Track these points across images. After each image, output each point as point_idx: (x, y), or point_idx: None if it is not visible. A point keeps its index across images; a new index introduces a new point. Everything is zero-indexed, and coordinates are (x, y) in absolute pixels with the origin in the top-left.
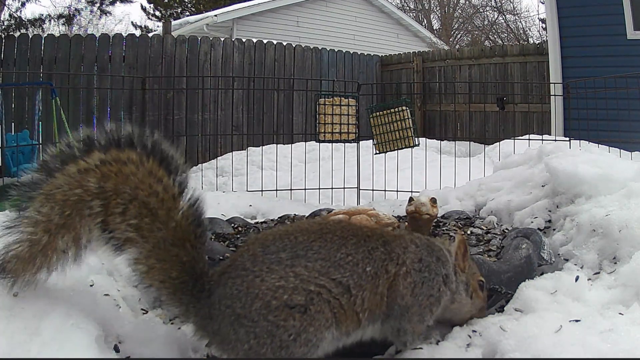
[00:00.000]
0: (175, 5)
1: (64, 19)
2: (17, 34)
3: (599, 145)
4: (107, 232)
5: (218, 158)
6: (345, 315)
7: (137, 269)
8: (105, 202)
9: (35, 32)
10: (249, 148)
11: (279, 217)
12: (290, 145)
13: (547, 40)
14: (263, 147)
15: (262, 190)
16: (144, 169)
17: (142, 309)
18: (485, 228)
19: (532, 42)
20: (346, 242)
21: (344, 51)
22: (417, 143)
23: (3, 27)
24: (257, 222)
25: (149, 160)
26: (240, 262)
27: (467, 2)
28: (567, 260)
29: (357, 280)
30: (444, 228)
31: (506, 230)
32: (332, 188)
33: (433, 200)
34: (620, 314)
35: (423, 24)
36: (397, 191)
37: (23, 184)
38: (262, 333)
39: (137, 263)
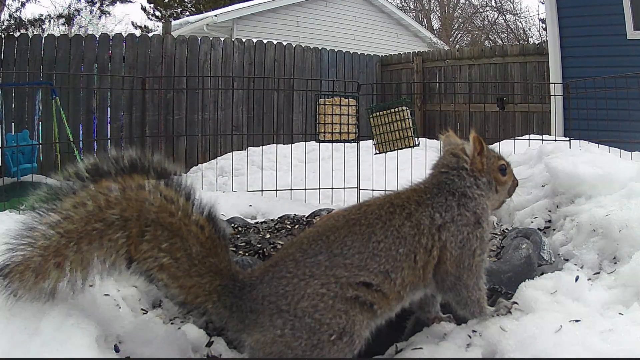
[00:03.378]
0: (175, 5)
1: (63, 19)
2: (17, 34)
3: (599, 145)
4: (136, 263)
5: (218, 158)
6: (388, 299)
7: (175, 294)
8: (129, 231)
9: (35, 32)
10: (249, 148)
11: (279, 217)
12: (290, 145)
13: (547, 40)
14: (263, 147)
15: (262, 190)
16: (157, 192)
17: (142, 309)
18: None
19: (532, 42)
20: (374, 228)
21: (344, 51)
22: (417, 143)
23: (3, 27)
24: (257, 222)
25: (159, 183)
26: (283, 265)
27: (467, 2)
28: (567, 260)
29: (393, 263)
30: None
31: (506, 230)
32: (332, 188)
33: None
34: (620, 314)
35: (423, 24)
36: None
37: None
38: (302, 328)
39: (171, 287)
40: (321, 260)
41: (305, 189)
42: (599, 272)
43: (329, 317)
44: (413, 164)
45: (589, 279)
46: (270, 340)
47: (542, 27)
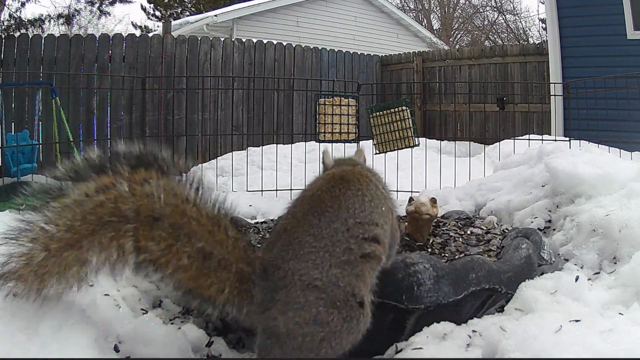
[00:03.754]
0: (175, 5)
1: (63, 19)
2: (17, 34)
3: (599, 145)
4: (148, 255)
5: (218, 158)
6: (384, 248)
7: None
8: (136, 223)
9: (35, 32)
10: (249, 148)
11: (279, 217)
12: (290, 145)
13: (547, 40)
14: (263, 147)
15: (262, 190)
16: (169, 191)
17: (142, 309)
18: (485, 228)
19: (532, 42)
20: (364, 191)
21: (344, 51)
22: (417, 143)
23: (3, 27)
24: (257, 222)
25: (172, 179)
26: (304, 241)
27: (467, 2)
28: (567, 260)
29: (384, 217)
30: (444, 228)
31: (506, 230)
32: None
33: (433, 200)
34: (620, 314)
35: (423, 24)
36: (397, 191)
37: (29, 192)
38: (334, 300)
39: (194, 289)
40: (338, 227)
41: None
42: (599, 272)
43: (354, 284)
44: (413, 164)
45: (589, 279)
46: (304, 322)
47: (542, 27)
